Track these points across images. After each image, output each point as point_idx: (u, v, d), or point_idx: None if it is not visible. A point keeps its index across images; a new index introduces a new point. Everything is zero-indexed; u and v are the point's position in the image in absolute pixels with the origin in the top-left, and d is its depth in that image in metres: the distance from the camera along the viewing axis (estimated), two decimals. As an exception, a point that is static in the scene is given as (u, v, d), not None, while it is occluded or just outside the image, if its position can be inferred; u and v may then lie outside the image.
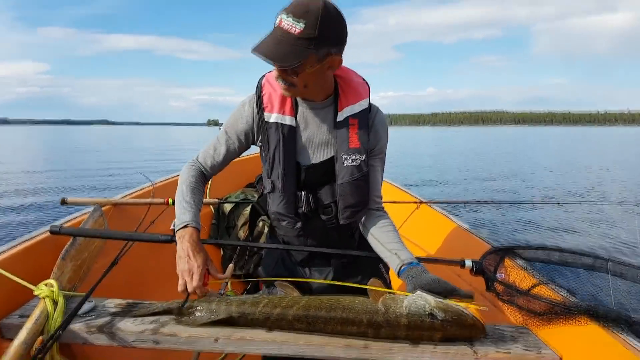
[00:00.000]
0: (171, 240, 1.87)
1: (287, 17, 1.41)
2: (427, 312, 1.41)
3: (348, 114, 1.71)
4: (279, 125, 1.70)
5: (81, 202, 2.69)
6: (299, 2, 1.42)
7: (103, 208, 2.56)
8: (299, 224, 1.84)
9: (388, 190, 3.81)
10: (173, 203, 2.93)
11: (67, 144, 47.11)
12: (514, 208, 8.36)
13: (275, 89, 1.71)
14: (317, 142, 1.75)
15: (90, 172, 15.41)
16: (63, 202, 2.66)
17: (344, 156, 1.70)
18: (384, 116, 1.85)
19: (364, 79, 1.81)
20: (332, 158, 1.75)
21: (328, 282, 1.87)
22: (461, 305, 1.43)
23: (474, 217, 8.18)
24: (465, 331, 1.44)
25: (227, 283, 2.62)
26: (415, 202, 3.49)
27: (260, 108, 1.72)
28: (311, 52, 1.44)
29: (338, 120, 1.71)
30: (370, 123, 1.76)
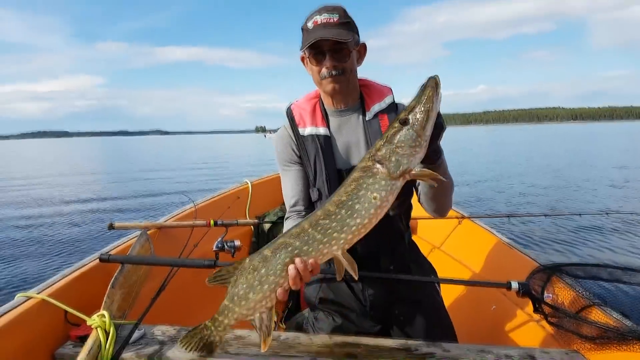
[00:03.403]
0: (214, 265, 1.94)
1: (321, 15, 1.68)
2: None
3: (376, 111, 1.84)
4: (315, 137, 1.82)
5: (128, 226, 2.79)
6: (322, 6, 1.71)
7: (149, 232, 2.64)
8: None
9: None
10: (215, 224, 3.03)
11: (120, 155, 49.08)
12: (562, 220, 7.93)
13: (304, 108, 1.88)
14: (354, 145, 1.84)
15: (138, 188, 15.86)
16: (111, 227, 2.76)
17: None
18: None
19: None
20: None
21: (377, 275, 1.87)
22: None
23: (519, 230, 7.77)
24: None
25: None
26: (458, 218, 3.43)
27: (294, 126, 1.87)
28: (353, 33, 1.71)
29: (368, 119, 1.83)
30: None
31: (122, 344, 1.53)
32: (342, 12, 1.71)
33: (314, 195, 1.85)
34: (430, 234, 3.61)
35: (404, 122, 1.28)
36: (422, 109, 1.26)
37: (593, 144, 40.56)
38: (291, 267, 1.30)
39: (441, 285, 2.00)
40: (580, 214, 3.59)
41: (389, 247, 1.90)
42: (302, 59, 1.83)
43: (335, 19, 1.67)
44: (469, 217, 3.38)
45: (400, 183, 1.33)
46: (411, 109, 1.28)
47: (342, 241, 1.34)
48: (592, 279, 1.94)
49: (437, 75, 1.29)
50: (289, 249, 1.33)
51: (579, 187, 13.49)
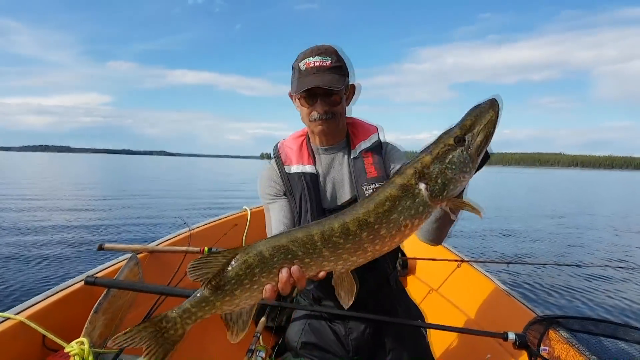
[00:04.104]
0: None
1: (314, 58, 1.68)
2: None
3: (362, 149, 1.84)
4: (302, 175, 1.81)
5: (118, 248, 2.74)
6: (314, 47, 1.71)
7: (139, 255, 2.58)
8: None
9: (428, 246, 3.72)
10: (209, 251, 2.95)
11: (120, 173, 48.43)
12: (562, 270, 7.80)
13: (291, 147, 1.89)
14: (339, 183, 1.84)
15: (135, 208, 15.60)
16: (100, 247, 2.71)
17: (364, 187, 1.78)
18: (399, 148, 1.93)
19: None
20: (356, 197, 1.81)
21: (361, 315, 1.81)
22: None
23: (518, 277, 7.62)
24: None
25: (258, 337, 2.57)
26: (457, 261, 3.37)
27: (280, 164, 1.87)
28: (345, 77, 1.71)
29: (353, 157, 1.84)
30: (383, 153, 1.86)
31: (100, 374, 1.46)
32: (335, 56, 1.71)
33: None
34: (428, 276, 3.55)
35: (460, 142, 1.13)
36: (483, 132, 1.12)
37: (595, 192, 40.46)
38: (284, 271, 1.18)
39: (436, 330, 1.95)
40: (579, 265, 3.52)
41: (373, 288, 1.86)
42: (291, 96, 1.82)
43: (327, 63, 1.68)
44: (468, 262, 3.32)
45: (434, 210, 1.19)
46: (469, 128, 1.13)
47: (350, 263, 1.22)
48: (588, 334, 1.90)
49: (498, 97, 1.15)
50: (289, 256, 1.19)
51: (580, 235, 13.39)
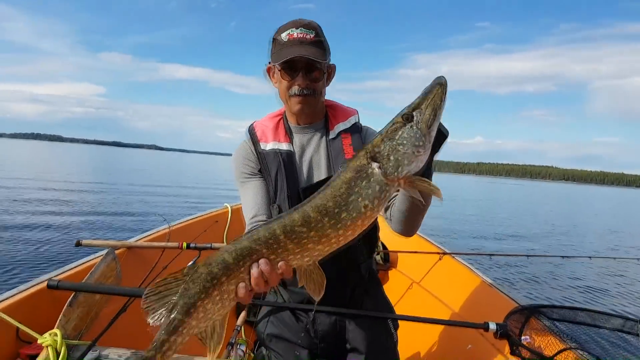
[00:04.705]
0: None
1: (297, 30, 1.63)
2: None
3: (340, 129, 1.80)
4: (277, 152, 1.75)
5: (95, 244, 2.68)
6: (297, 20, 1.67)
7: (117, 251, 2.53)
8: None
9: (410, 239, 3.71)
10: (187, 247, 2.91)
11: (108, 166, 47.56)
12: (543, 262, 7.86)
13: (267, 125, 1.82)
14: (316, 164, 1.79)
15: (117, 203, 15.30)
16: (78, 244, 2.65)
17: (341, 169, 1.71)
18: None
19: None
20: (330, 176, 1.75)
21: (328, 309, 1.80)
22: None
23: (501, 270, 7.70)
24: None
25: (239, 330, 2.54)
26: (439, 253, 3.38)
27: (254, 141, 1.80)
28: (327, 55, 1.68)
29: (331, 137, 1.79)
30: (363, 136, 1.81)
31: (73, 365, 1.42)
32: (319, 31, 1.67)
33: (274, 213, 1.76)
34: (410, 269, 3.54)
35: (408, 119, 1.13)
36: (430, 106, 1.12)
37: (586, 206, 40.95)
38: (254, 270, 1.14)
39: (417, 323, 1.93)
40: (563, 256, 3.53)
41: (342, 276, 1.81)
42: (269, 70, 1.77)
43: (311, 36, 1.63)
44: (450, 254, 3.33)
45: (393, 190, 1.17)
46: (416, 105, 1.13)
47: (316, 253, 1.18)
48: (569, 322, 1.91)
49: (444, 77, 1.16)
50: (254, 256, 1.15)
51: (567, 229, 13.55)
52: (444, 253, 3.35)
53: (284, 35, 1.63)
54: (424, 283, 3.31)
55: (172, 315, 1.12)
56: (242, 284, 1.14)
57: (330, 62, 1.76)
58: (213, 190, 23.93)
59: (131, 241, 2.84)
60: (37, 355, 1.52)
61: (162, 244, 2.88)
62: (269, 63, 1.73)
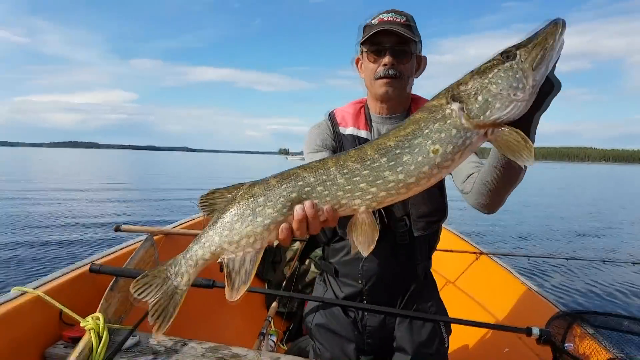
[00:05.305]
0: (212, 285, 1.84)
1: (389, 14, 1.62)
2: None
3: None
4: (355, 137, 1.72)
5: (134, 229, 2.72)
6: (390, 9, 1.65)
7: (155, 237, 2.57)
8: None
9: (445, 237, 3.66)
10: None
11: (146, 167, 50.05)
12: (585, 265, 7.56)
13: (348, 111, 1.79)
14: None
15: (156, 197, 15.98)
16: (117, 229, 2.69)
17: None
18: None
19: None
20: None
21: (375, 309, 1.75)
22: None
23: (539, 271, 7.42)
24: None
25: (270, 321, 2.55)
26: (475, 253, 3.31)
27: (334, 123, 1.78)
28: (416, 38, 1.63)
29: None
30: None
31: (115, 349, 1.45)
32: (410, 17, 1.65)
33: None
34: (445, 268, 3.48)
35: (509, 57, 0.94)
36: (539, 45, 0.92)
37: (629, 187, 39.18)
38: (298, 207, 1.04)
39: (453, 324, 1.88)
40: (604, 261, 3.39)
41: (397, 274, 1.77)
42: (357, 60, 1.75)
43: (401, 20, 1.61)
44: (487, 254, 3.25)
45: (476, 138, 0.98)
46: (522, 44, 0.94)
47: (369, 196, 1.03)
48: (615, 330, 1.84)
49: (562, 18, 0.94)
50: (300, 183, 1.04)
51: (607, 232, 13.00)
52: (481, 253, 3.27)
53: (374, 21, 1.63)
54: (460, 283, 3.25)
55: (204, 230, 1.10)
56: (283, 228, 1.06)
57: (421, 52, 1.72)
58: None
59: (168, 227, 2.88)
60: (79, 338, 1.54)
61: (198, 231, 2.91)
62: (358, 49, 1.71)
